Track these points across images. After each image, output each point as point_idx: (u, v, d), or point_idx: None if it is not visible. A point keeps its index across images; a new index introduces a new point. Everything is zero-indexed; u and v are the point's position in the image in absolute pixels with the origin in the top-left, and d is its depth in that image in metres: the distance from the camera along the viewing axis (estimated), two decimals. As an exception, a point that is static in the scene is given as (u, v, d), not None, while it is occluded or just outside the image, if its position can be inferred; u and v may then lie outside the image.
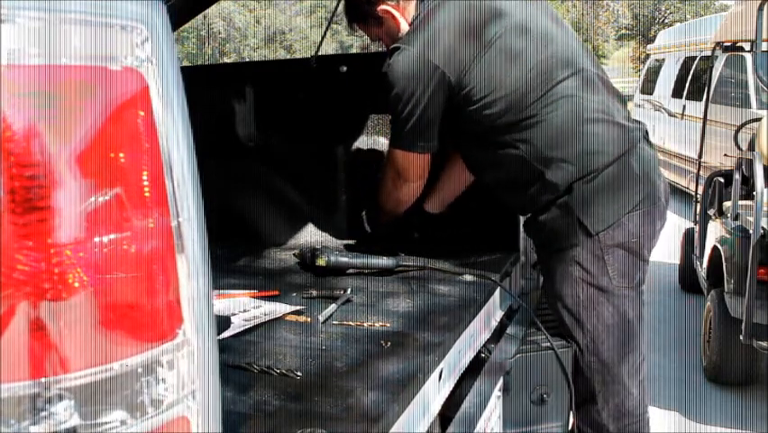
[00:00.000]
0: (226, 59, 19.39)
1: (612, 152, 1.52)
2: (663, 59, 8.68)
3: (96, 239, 0.48)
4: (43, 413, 0.46)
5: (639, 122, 1.65)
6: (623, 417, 1.61)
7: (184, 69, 0.57)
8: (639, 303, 1.60)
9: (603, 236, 1.51)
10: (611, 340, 1.57)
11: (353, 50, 20.70)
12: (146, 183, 0.50)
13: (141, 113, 0.50)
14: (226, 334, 1.26)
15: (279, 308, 1.41)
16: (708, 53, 5.22)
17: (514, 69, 1.51)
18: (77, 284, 0.48)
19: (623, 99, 1.66)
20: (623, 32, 26.86)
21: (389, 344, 1.23)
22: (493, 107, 1.51)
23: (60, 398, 0.47)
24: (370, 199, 1.84)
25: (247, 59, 19.97)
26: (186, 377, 0.53)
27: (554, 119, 1.51)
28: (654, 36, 14.38)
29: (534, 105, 1.51)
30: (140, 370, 0.50)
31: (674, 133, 7.70)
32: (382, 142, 2.06)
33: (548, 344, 1.56)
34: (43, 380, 0.46)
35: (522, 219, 1.77)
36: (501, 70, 1.50)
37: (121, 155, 0.49)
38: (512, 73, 1.50)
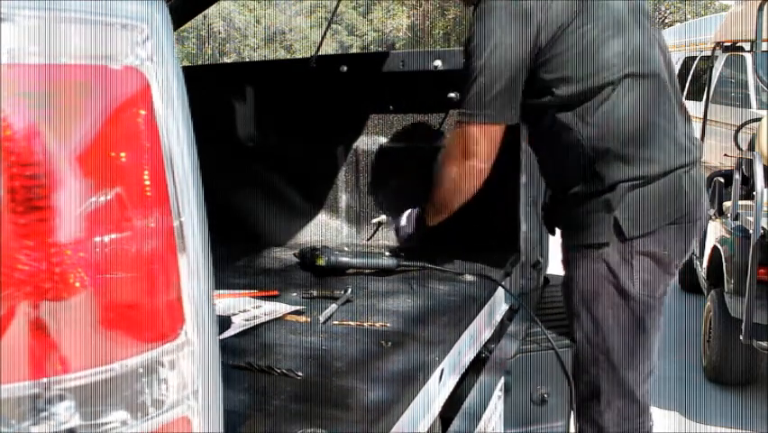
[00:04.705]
0: (226, 59, 19.38)
1: (665, 164, 1.50)
2: (663, 59, 8.64)
3: (97, 239, 0.48)
4: (44, 414, 0.46)
5: (698, 142, 1.62)
6: (624, 421, 1.59)
7: (183, 69, 0.57)
8: (657, 314, 1.57)
9: (636, 242, 1.49)
10: (623, 343, 1.56)
11: (353, 50, 20.70)
12: (147, 182, 0.50)
13: (143, 112, 0.50)
14: (227, 334, 1.26)
15: (280, 308, 1.41)
16: (708, 53, 5.21)
17: (603, 50, 1.47)
18: (77, 284, 0.48)
19: (689, 118, 1.64)
20: (623, 32, 26.73)
21: (390, 344, 1.22)
22: (569, 84, 1.46)
23: (61, 398, 0.47)
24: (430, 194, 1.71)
25: (247, 60, 19.97)
26: (187, 377, 0.53)
27: (621, 113, 1.48)
28: (654, 36, 14.30)
29: (606, 92, 1.46)
30: (141, 370, 0.50)
31: (674, 133, 7.66)
32: (382, 142, 2.06)
33: (549, 343, 1.56)
34: (44, 380, 0.46)
35: (542, 210, 1.76)
36: (591, 48, 1.46)
37: (122, 155, 0.49)
38: (600, 54, 1.46)
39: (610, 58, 1.47)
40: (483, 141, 1.52)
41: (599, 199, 1.50)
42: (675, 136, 1.53)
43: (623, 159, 1.48)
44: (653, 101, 1.51)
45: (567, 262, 1.66)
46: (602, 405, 1.58)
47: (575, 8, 1.47)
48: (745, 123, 4.43)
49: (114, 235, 0.48)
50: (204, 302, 0.54)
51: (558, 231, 1.73)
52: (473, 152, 1.53)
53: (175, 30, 0.58)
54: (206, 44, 21.32)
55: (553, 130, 1.53)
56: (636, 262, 1.51)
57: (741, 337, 2.90)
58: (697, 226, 1.57)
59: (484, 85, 1.46)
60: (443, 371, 1.23)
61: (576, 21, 1.46)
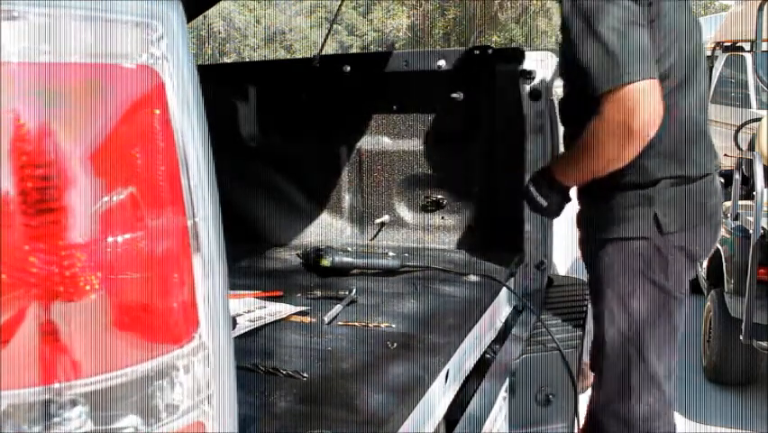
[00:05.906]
0: (226, 59, 19.37)
1: (705, 167, 1.56)
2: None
3: (110, 239, 0.47)
4: (56, 419, 0.45)
5: None
6: (653, 417, 1.57)
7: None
8: (682, 311, 1.60)
9: (672, 237, 1.52)
10: (654, 337, 1.56)
11: (353, 50, 20.69)
12: (161, 182, 0.49)
13: (157, 111, 0.49)
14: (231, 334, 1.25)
15: (284, 309, 1.40)
16: (708, 53, 5.22)
17: (678, 45, 1.49)
18: (89, 286, 0.47)
19: None
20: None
21: (395, 345, 1.22)
22: None
23: (73, 403, 0.46)
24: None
25: (247, 59, 19.96)
26: (201, 381, 0.52)
27: (677, 111, 1.50)
28: (653, 36, 14.32)
29: (665, 89, 1.45)
30: (155, 374, 0.49)
31: (674, 134, 7.67)
32: (386, 142, 2.05)
33: (554, 344, 1.56)
34: (56, 385, 0.45)
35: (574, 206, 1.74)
36: (672, 38, 1.48)
37: (136, 154, 0.48)
38: (676, 48, 1.49)
39: (688, 53, 1.51)
40: (651, 97, 1.36)
41: (641, 193, 1.52)
42: (711, 141, 1.60)
43: (670, 156, 1.51)
44: (701, 105, 1.57)
45: (597, 257, 1.61)
46: (632, 400, 1.55)
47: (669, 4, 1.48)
48: (745, 123, 4.44)
49: (127, 236, 0.48)
50: (219, 304, 0.53)
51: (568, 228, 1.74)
52: (640, 114, 1.36)
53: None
54: (206, 44, 21.31)
55: None
56: (672, 256, 1.53)
57: (741, 337, 2.89)
58: (718, 229, 1.64)
59: (628, 44, 1.36)
60: (448, 372, 1.23)
61: (669, 16, 1.47)
